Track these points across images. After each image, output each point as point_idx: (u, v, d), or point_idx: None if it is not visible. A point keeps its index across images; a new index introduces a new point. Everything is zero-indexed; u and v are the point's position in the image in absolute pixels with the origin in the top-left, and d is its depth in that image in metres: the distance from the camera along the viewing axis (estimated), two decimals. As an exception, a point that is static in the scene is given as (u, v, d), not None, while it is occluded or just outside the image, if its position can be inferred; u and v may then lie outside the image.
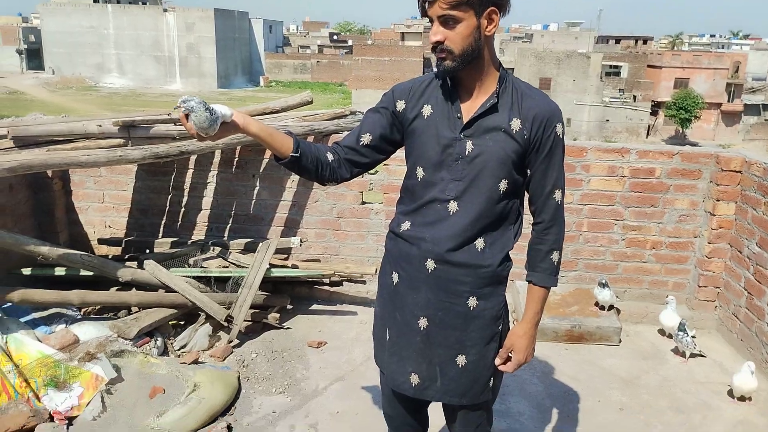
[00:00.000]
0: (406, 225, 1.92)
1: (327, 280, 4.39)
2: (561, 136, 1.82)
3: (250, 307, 3.94)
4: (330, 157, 1.93)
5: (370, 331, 2.19)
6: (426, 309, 1.90)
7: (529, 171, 1.84)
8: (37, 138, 3.33)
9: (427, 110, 1.83)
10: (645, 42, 76.37)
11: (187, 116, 1.71)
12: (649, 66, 52.36)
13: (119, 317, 3.80)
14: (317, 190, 4.45)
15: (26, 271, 3.88)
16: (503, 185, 1.80)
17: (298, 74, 54.77)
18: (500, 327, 1.95)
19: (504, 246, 1.89)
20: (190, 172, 4.51)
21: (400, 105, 1.88)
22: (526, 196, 1.92)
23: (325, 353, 3.79)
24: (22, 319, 3.49)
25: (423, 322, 1.91)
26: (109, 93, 43.02)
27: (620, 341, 3.98)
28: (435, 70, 1.88)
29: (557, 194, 1.86)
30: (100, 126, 3.49)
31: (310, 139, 4.34)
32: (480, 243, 1.84)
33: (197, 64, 51.16)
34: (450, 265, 1.84)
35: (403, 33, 68.28)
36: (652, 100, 49.66)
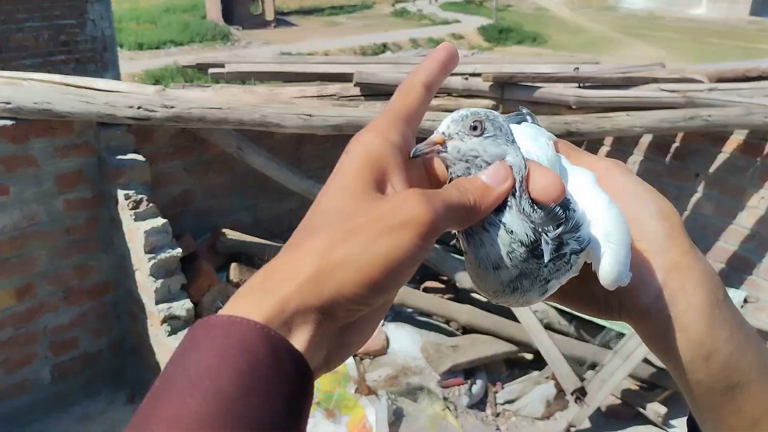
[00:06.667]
0: None
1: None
2: None
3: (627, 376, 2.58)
4: None
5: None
6: None
7: None
8: (387, 87, 2.58)
9: None
10: None
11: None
12: None
13: (450, 326, 2.97)
14: (806, 224, 2.54)
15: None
16: None
17: None
18: None
19: None
20: (602, 151, 3.17)
21: None
22: None
23: None
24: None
25: None
26: (626, 14, 41.14)
27: None
28: None
29: None
30: (466, 79, 2.50)
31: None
32: None
33: (735, -16, 44.44)
34: None
35: None
36: None
